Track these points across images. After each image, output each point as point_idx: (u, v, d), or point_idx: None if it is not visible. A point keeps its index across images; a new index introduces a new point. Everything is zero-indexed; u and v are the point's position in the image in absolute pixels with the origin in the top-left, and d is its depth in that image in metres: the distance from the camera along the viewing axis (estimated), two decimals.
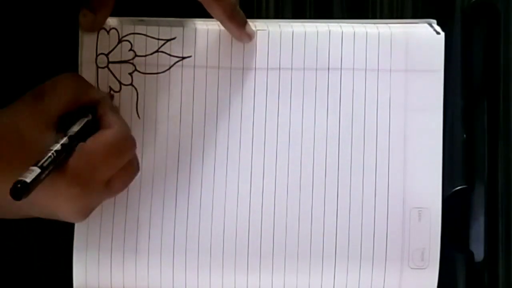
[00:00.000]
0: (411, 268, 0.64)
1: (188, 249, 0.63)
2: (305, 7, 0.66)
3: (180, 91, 0.64)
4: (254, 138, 0.64)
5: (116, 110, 0.61)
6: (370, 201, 0.63)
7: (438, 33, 0.64)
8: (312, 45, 0.64)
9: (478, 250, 0.66)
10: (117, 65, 0.63)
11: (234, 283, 0.63)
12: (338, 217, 0.63)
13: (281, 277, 0.63)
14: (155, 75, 0.64)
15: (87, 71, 0.63)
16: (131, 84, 0.63)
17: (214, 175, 0.63)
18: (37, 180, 0.52)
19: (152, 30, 0.64)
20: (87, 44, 0.63)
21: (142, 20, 0.64)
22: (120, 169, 0.57)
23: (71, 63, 0.63)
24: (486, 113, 0.66)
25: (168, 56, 0.64)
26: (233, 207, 0.63)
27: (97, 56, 0.63)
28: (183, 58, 0.64)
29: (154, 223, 0.63)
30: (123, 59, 0.63)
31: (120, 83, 0.63)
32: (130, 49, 0.64)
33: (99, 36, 0.63)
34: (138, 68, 0.63)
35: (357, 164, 0.64)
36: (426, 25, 0.65)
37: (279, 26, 0.64)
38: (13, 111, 0.57)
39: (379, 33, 0.64)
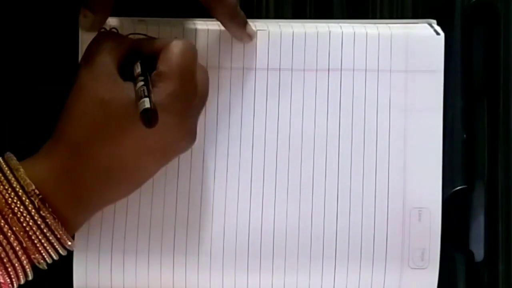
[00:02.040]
0: (411, 268, 0.64)
1: (188, 250, 0.63)
2: (305, 7, 0.66)
3: None
4: (254, 138, 0.64)
5: None
6: (370, 201, 0.63)
7: (438, 33, 0.64)
8: (312, 46, 0.64)
9: (478, 250, 0.66)
10: None
11: (234, 284, 0.63)
12: (338, 217, 0.64)
13: (281, 277, 0.63)
14: None
15: None
16: None
17: (214, 175, 0.63)
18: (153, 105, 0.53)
19: (152, 30, 0.64)
20: (87, 44, 0.63)
21: (142, 20, 0.64)
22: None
23: (71, 63, 0.63)
24: (486, 113, 0.66)
25: None
26: (233, 208, 0.63)
27: None
28: None
29: (154, 224, 0.63)
30: None
31: None
32: None
33: None
34: None
35: (357, 164, 0.64)
36: (426, 25, 0.65)
37: (279, 26, 0.64)
38: (78, 92, 0.57)
39: (379, 33, 0.64)
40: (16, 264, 0.56)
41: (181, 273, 0.63)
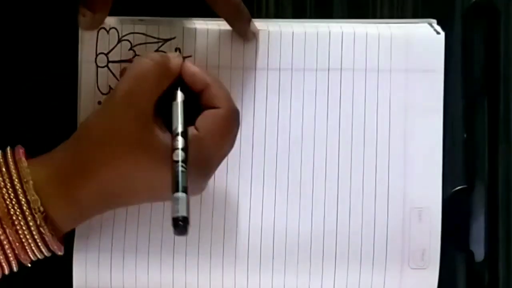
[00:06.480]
0: (411, 268, 0.64)
1: (188, 250, 0.63)
2: (305, 7, 0.66)
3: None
4: (253, 138, 0.64)
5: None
6: (370, 201, 0.63)
7: (438, 33, 0.64)
8: (312, 46, 0.64)
9: (478, 250, 0.66)
10: (117, 65, 0.63)
11: (234, 284, 0.63)
12: (338, 217, 0.63)
13: (281, 277, 0.63)
14: None
15: (86, 71, 0.63)
16: None
17: (214, 175, 0.63)
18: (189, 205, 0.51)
19: (152, 30, 0.64)
20: (87, 44, 0.63)
21: (142, 20, 0.64)
22: None
23: (71, 63, 0.63)
24: (486, 113, 0.66)
25: None
26: (234, 208, 0.63)
27: (96, 55, 0.63)
28: (183, 58, 0.64)
29: (155, 224, 0.63)
30: (122, 58, 0.63)
31: None
32: (130, 49, 0.63)
33: (99, 36, 0.63)
34: None
35: (357, 164, 0.64)
36: (426, 25, 0.65)
37: (279, 26, 0.64)
38: (104, 117, 0.57)
39: (379, 33, 0.64)
40: (5, 265, 0.56)
41: (181, 273, 0.63)
